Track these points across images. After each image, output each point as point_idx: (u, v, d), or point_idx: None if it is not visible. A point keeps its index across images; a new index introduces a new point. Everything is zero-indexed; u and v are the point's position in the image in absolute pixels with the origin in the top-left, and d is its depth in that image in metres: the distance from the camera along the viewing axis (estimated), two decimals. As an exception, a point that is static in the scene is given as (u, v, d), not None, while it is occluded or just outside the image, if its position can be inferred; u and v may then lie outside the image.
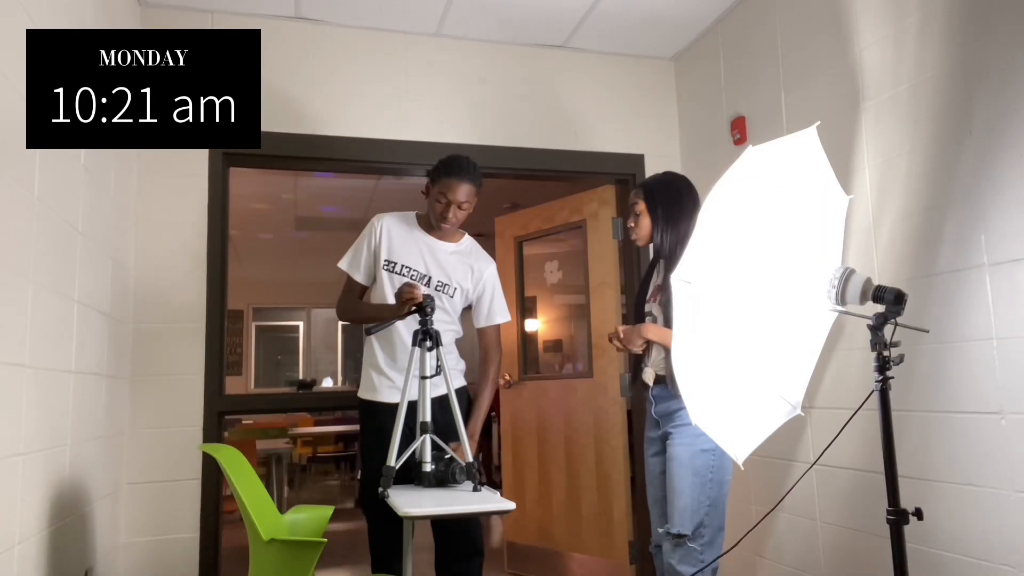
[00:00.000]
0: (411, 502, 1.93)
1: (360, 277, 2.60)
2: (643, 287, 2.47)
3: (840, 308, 1.78)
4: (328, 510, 2.52)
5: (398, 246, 2.55)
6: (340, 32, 3.39)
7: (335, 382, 10.52)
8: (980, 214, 2.10)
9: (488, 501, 2.01)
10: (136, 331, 3.02)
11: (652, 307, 2.36)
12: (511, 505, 1.93)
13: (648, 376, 2.36)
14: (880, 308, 1.71)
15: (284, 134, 3.23)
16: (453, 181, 2.45)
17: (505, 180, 4.09)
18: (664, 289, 2.28)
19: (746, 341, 1.87)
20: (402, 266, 2.54)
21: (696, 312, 1.81)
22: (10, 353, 1.78)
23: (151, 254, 3.08)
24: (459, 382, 2.57)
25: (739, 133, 3.25)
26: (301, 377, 10.39)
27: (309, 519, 2.47)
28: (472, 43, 3.57)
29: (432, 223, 2.56)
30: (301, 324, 10.81)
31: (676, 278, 1.77)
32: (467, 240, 2.68)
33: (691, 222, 2.28)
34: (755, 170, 1.80)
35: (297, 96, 3.30)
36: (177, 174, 3.14)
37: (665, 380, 2.27)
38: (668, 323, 2.23)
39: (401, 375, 2.35)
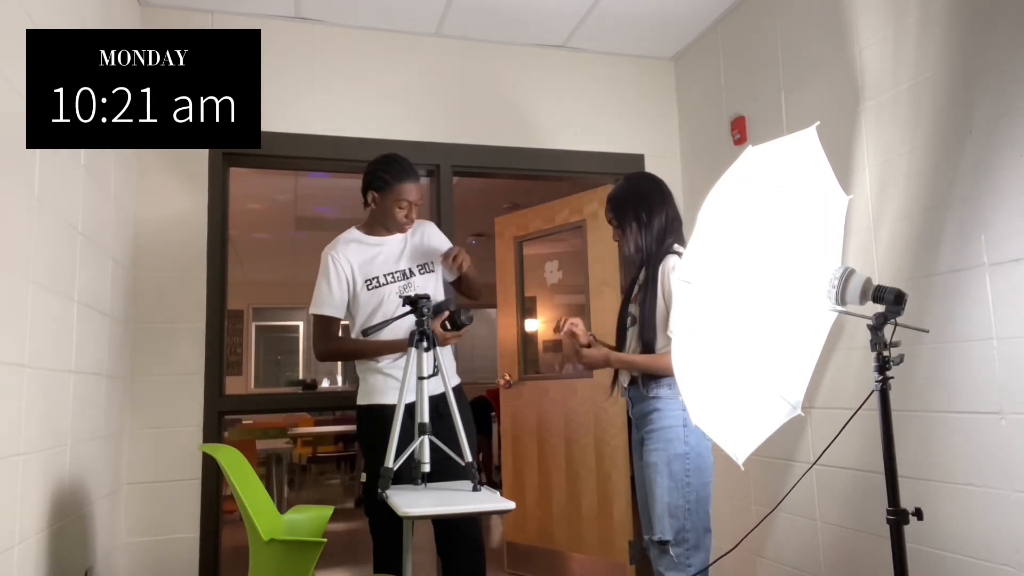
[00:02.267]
0: (411, 502, 1.93)
1: (340, 314, 2.59)
2: (629, 289, 2.46)
3: (840, 308, 1.78)
4: (328, 510, 2.52)
5: (368, 264, 2.57)
6: (340, 32, 3.39)
7: (331, 382, 10.51)
8: (980, 214, 2.10)
9: (488, 501, 2.01)
10: (136, 331, 3.02)
11: (632, 308, 2.36)
12: (511, 504, 1.93)
13: (624, 378, 2.36)
14: (880, 308, 1.71)
15: (284, 134, 3.23)
16: (408, 185, 2.52)
17: (505, 180, 4.10)
18: (644, 289, 2.28)
19: (746, 341, 1.87)
20: (383, 276, 2.55)
21: (696, 312, 1.81)
22: (10, 353, 1.78)
23: (151, 254, 3.08)
24: (454, 380, 2.57)
25: (739, 133, 3.25)
26: (301, 377, 10.39)
27: (309, 519, 2.47)
28: (472, 43, 3.57)
29: (391, 228, 2.59)
30: (301, 324, 10.79)
31: (676, 278, 1.77)
32: None
33: (664, 216, 2.33)
34: (755, 170, 1.81)
35: (297, 96, 3.30)
36: (177, 174, 3.14)
37: (639, 381, 2.27)
38: (644, 323, 2.24)
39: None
